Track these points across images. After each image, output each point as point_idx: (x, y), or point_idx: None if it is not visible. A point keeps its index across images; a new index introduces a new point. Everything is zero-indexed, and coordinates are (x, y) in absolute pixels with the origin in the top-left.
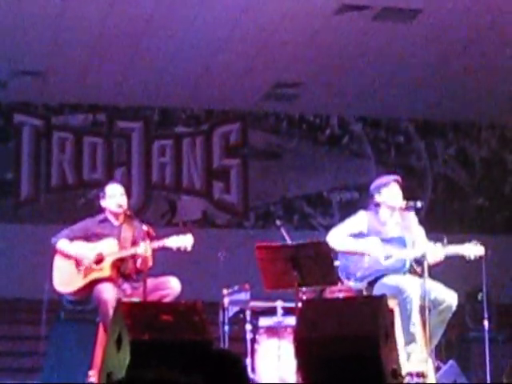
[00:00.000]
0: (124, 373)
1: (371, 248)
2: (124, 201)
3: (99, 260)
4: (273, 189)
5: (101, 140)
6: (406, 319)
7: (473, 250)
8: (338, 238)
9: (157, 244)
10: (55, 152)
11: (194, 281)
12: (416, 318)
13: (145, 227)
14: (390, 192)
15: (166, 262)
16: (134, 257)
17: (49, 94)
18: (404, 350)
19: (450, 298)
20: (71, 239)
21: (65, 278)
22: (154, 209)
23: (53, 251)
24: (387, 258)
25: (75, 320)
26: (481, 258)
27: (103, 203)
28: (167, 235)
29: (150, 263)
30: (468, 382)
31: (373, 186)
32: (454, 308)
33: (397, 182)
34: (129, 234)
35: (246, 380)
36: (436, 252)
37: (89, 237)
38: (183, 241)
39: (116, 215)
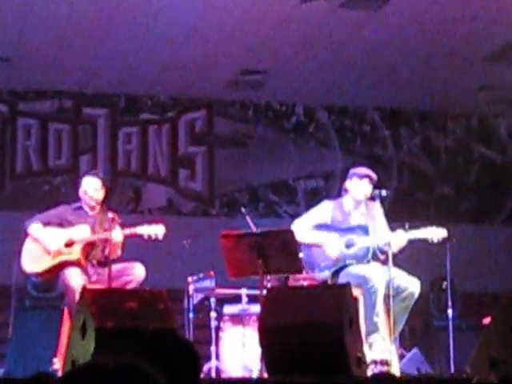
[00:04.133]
0: (89, 360)
1: (330, 243)
2: (100, 195)
3: (70, 244)
4: (238, 176)
5: (67, 126)
6: (370, 309)
7: (435, 232)
8: (301, 230)
9: (129, 231)
10: (20, 138)
11: (159, 268)
12: (380, 308)
13: (110, 214)
14: (358, 184)
15: (132, 248)
16: (104, 244)
17: (15, 79)
18: (366, 339)
19: (412, 285)
20: (45, 224)
21: (33, 258)
22: (119, 196)
23: (24, 235)
24: (350, 246)
25: (40, 307)
26: (444, 240)
27: (80, 193)
28: (132, 222)
29: (119, 252)
30: (431, 369)
31: (350, 172)
32: (416, 295)
33: (370, 179)
34: (102, 222)
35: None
36: (399, 238)
37: (63, 223)
38: (155, 230)
39: (91, 207)
